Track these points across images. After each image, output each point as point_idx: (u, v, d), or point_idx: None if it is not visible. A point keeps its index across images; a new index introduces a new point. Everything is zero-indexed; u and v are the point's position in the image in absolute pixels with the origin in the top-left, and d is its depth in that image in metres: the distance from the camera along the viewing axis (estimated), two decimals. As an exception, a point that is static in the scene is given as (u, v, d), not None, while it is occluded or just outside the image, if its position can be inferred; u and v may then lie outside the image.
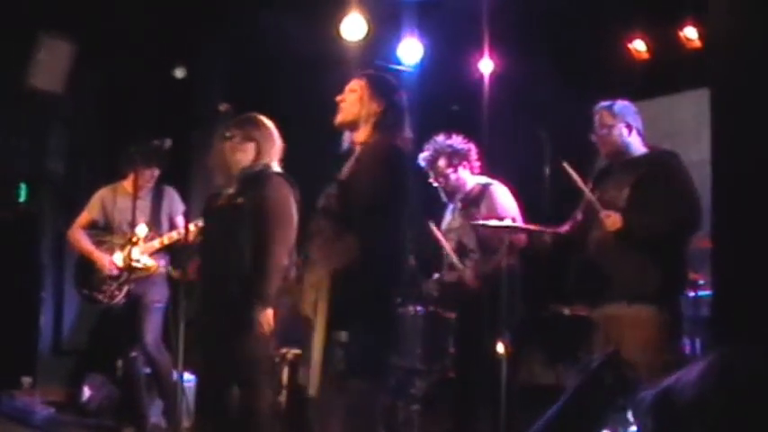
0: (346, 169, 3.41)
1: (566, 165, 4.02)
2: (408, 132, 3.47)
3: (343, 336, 3.14)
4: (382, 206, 3.24)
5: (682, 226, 3.83)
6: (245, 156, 3.92)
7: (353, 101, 3.45)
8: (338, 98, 3.51)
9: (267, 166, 3.92)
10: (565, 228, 4.17)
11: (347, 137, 3.53)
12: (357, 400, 3.21)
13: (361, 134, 3.43)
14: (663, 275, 3.77)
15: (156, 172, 5.22)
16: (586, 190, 3.99)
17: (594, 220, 3.97)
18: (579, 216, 4.13)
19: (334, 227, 3.28)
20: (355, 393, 3.20)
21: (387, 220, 3.25)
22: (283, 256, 3.81)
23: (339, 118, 3.49)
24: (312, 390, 3.20)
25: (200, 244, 4.05)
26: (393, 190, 3.29)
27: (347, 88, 3.52)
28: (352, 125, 3.46)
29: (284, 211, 3.84)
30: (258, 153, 3.92)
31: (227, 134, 3.86)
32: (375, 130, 3.41)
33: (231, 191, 3.92)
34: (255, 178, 3.87)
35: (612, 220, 3.83)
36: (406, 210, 3.36)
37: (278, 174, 3.92)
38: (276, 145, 3.98)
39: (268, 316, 3.77)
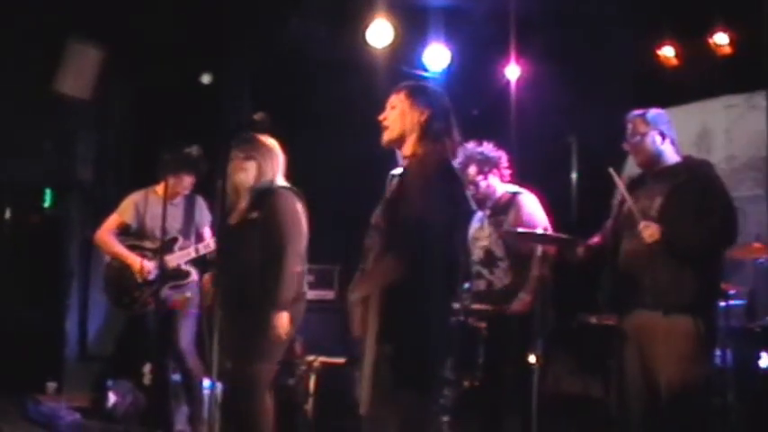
0: (394, 186, 3.39)
1: (612, 171, 3.99)
2: (457, 136, 3.39)
3: (391, 349, 3.16)
4: (429, 220, 3.19)
5: (719, 238, 3.79)
6: (246, 174, 4.11)
7: (396, 117, 3.39)
8: (381, 117, 3.43)
9: (272, 182, 4.12)
10: (595, 239, 4.15)
11: (399, 156, 3.43)
12: (408, 414, 3.19)
13: (408, 146, 3.37)
14: (700, 286, 3.74)
15: (193, 179, 5.23)
16: (630, 199, 3.95)
17: (627, 228, 3.94)
18: (609, 224, 4.11)
19: (381, 244, 3.29)
20: (406, 407, 3.19)
21: (435, 233, 3.20)
22: (296, 264, 4.02)
23: (385, 137, 3.41)
24: (362, 408, 3.21)
25: (217, 260, 4.21)
26: (441, 202, 3.24)
27: (387, 105, 3.44)
28: (399, 141, 3.39)
29: (294, 223, 4.04)
30: (259, 171, 4.12)
31: (231, 155, 4.00)
32: (421, 140, 3.35)
33: (242, 208, 4.12)
34: (264, 194, 4.08)
35: (651, 231, 3.79)
36: (459, 219, 3.36)
37: (285, 188, 4.12)
38: (277, 161, 4.17)
39: (283, 318, 3.96)
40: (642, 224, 3.83)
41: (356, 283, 3.37)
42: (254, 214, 4.06)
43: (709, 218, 3.74)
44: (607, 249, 4.06)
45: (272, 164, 4.14)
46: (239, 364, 3.95)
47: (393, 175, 3.43)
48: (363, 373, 3.22)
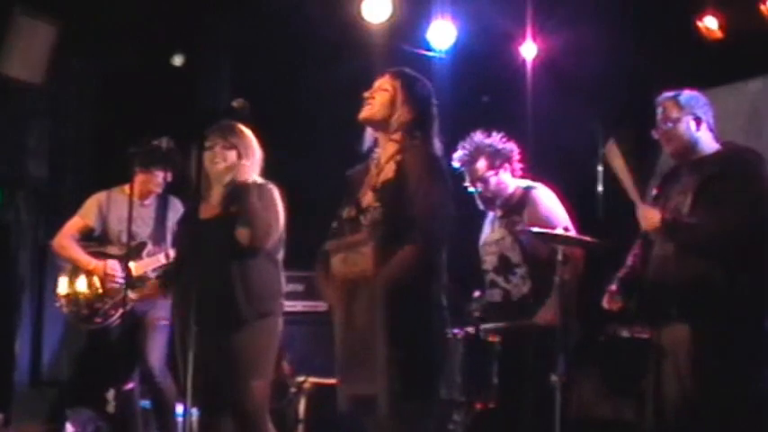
0: (380, 175, 3.58)
1: (613, 145, 4.03)
2: (438, 143, 3.66)
3: (401, 355, 3.36)
4: (442, 215, 3.43)
5: (729, 230, 3.76)
6: (225, 165, 4.18)
7: (385, 101, 3.63)
8: (366, 94, 3.67)
9: (250, 178, 4.20)
10: (629, 264, 4.20)
11: (370, 136, 3.72)
12: (414, 423, 3.42)
13: (390, 135, 3.64)
14: (736, 292, 3.75)
15: (168, 176, 5.29)
16: (627, 179, 3.99)
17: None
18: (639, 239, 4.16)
19: (383, 239, 3.44)
20: (410, 416, 3.41)
21: (449, 227, 3.45)
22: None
23: (366, 113, 3.66)
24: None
25: (185, 256, 4.17)
26: (447, 197, 3.50)
27: (377, 85, 3.67)
28: (380, 125, 3.66)
29: (278, 219, 4.16)
30: (239, 162, 4.19)
31: (207, 143, 4.07)
32: (406, 137, 3.61)
33: (215, 202, 4.19)
34: (246, 189, 4.13)
35: (650, 217, 3.85)
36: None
37: (265, 182, 4.21)
38: (256, 154, 4.26)
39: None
40: (642, 208, 3.88)
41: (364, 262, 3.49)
42: (235, 209, 4.10)
43: (723, 208, 3.74)
44: (641, 261, 4.11)
45: (252, 158, 4.23)
46: (237, 384, 4.03)
47: (350, 174, 3.73)
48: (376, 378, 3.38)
